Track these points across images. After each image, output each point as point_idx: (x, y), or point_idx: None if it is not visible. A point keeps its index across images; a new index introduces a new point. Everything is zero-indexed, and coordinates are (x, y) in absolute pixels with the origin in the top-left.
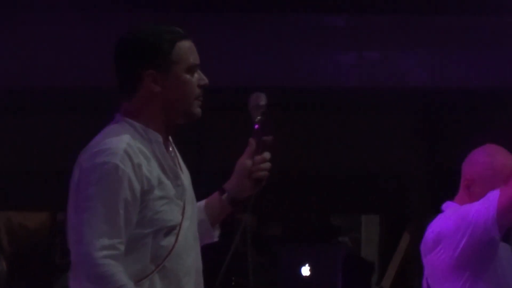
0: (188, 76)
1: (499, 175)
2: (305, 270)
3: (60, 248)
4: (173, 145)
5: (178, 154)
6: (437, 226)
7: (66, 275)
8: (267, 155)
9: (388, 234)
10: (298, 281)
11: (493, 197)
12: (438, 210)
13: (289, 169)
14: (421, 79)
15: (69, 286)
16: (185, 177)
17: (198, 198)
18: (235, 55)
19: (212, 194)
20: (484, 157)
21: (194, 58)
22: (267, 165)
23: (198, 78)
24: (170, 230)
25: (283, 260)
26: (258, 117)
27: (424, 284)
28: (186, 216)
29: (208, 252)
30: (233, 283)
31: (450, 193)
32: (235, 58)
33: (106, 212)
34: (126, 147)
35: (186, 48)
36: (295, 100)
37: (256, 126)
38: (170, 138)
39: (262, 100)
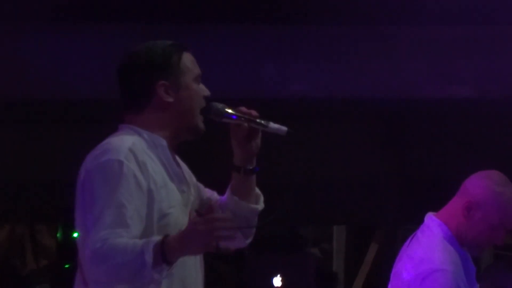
0: (196, 86)
1: (504, 210)
2: (277, 281)
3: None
4: (179, 159)
5: (183, 167)
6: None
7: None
8: (243, 109)
9: (355, 244)
10: None
11: None
12: (406, 220)
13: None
14: (389, 88)
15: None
16: (192, 189)
17: None
18: None
19: (230, 181)
20: (498, 186)
21: (198, 69)
22: (251, 112)
23: (203, 89)
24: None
25: (254, 270)
26: (226, 110)
27: None
28: None
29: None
30: None
31: (417, 202)
32: None
33: (113, 206)
34: (130, 146)
35: (191, 59)
36: (262, 111)
37: (233, 117)
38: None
39: (220, 107)
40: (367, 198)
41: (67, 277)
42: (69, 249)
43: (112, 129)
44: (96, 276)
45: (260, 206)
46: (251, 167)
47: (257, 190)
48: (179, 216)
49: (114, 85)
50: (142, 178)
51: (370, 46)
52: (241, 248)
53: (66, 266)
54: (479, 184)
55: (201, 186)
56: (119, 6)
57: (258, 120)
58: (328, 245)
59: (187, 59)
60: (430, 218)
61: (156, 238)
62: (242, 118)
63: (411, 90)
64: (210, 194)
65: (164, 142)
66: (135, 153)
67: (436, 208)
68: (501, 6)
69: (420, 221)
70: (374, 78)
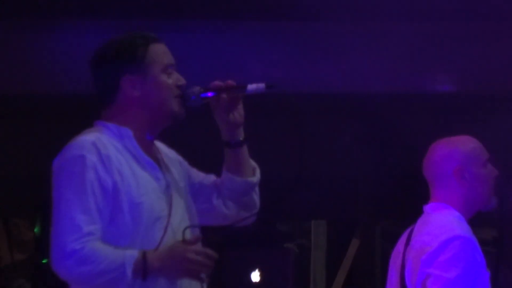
0: (165, 77)
1: (482, 149)
2: (255, 276)
3: None
4: (161, 146)
5: (167, 154)
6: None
7: None
8: (217, 83)
9: (336, 240)
10: (248, 287)
11: None
12: (387, 216)
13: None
14: (368, 83)
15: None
16: (176, 180)
17: None
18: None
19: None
20: (463, 140)
21: (168, 59)
22: (227, 83)
23: (176, 78)
24: (154, 222)
25: (231, 266)
26: (201, 91)
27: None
28: (176, 213)
29: None
30: None
31: (399, 198)
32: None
33: (77, 200)
34: (94, 140)
35: (160, 50)
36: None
37: (209, 94)
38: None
39: (195, 91)
40: (345, 194)
41: (44, 272)
42: (47, 244)
43: (90, 124)
44: (68, 274)
45: (256, 178)
46: (239, 139)
47: (253, 163)
48: (154, 204)
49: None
50: (104, 172)
51: (352, 41)
52: (217, 243)
53: (44, 261)
54: (450, 152)
55: (193, 171)
56: (106, 2)
57: (235, 88)
58: (306, 241)
59: (155, 51)
60: (432, 205)
61: (136, 252)
62: (220, 92)
63: (392, 85)
64: (203, 177)
65: (129, 133)
66: (98, 147)
67: (417, 204)
68: (477, 2)
69: (400, 216)
70: (355, 73)
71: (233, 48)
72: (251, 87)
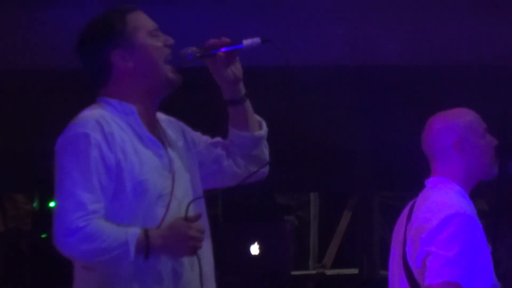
0: (151, 40)
1: (479, 120)
2: (254, 249)
3: None
4: (162, 116)
5: (171, 126)
6: None
7: None
8: (211, 41)
9: (328, 212)
10: (247, 260)
11: None
12: (379, 188)
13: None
14: (359, 56)
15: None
16: (179, 152)
17: None
18: None
19: (228, 119)
20: (460, 112)
21: (150, 24)
22: (221, 40)
23: (163, 39)
24: (157, 200)
25: (231, 239)
26: (196, 50)
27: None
28: (179, 189)
29: None
30: None
31: (391, 170)
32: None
33: (82, 178)
34: (97, 117)
35: (138, 18)
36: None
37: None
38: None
39: (189, 51)
40: (342, 166)
41: (44, 246)
42: (46, 219)
43: (92, 100)
44: (71, 251)
45: (264, 130)
46: (241, 95)
47: (258, 117)
48: (156, 181)
49: None
50: (107, 150)
51: (334, 12)
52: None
53: (43, 236)
54: (447, 124)
55: (197, 136)
56: None
57: (230, 44)
58: (304, 213)
59: (134, 19)
60: (433, 180)
61: (138, 229)
62: (215, 50)
63: (386, 57)
64: (209, 141)
65: (133, 109)
66: (102, 125)
67: (412, 176)
68: None
69: (396, 189)
70: (345, 44)
71: (227, 21)
72: (247, 42)
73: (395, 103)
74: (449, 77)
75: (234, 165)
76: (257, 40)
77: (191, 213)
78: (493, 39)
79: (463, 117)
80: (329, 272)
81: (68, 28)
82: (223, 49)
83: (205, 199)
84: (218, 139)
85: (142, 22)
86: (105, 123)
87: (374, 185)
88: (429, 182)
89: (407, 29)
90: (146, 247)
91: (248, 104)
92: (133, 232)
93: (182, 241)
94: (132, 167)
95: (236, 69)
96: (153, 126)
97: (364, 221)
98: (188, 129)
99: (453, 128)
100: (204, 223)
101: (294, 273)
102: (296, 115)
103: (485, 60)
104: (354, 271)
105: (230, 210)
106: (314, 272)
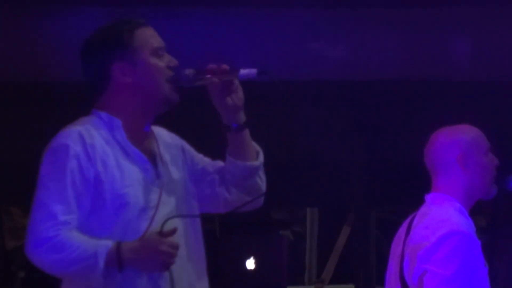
0: (155, 59)
1: (484, 138)
2: (250, 263)
3: None
4: (162, 132)
5: (166, 142)
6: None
7: None
8: (211, 66)
9: (327, 227)
10: (243, 275)
11: None
12: (378, 202)
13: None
14: (356, 71)
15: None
16: (173, 168)
17: None
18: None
19: (226, 144)
20: (465, 128)
21: (157, 42)
22: (220, 67)
23: (167, 60)
24: (139, 213)
25: (226, 253)
26: (194, 72)
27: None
28: (167, 203)
29: None
30: None
31: (390, 185)
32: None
33: (56, 189)
34: (80, 129)
35: (147, 34)
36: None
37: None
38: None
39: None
40: (338, 181)
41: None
42: None
43: (86, 112)
44: (40, 261)
45: (259, 161)
46: (239, 123)
47: (256, 146)
48: (139, 195)
49: None
50: (86, 162)
51: (331, 28)
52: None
53: None
54: (452, 139)
55: (197, 156)
56: None
57: (227, 72)
58: (300, 228)
59: (142, 34)
60: (433, 195)
61: (111, 242)
62: (211, 75)
63: (386, 72)
64: (207, 164)
65: (119, 123)
66: (83, 136)
67: (410, 191)
68: None
69: (392, 203)
70: (341, 60)
71: (227, 35)
72: (244, 72)
73: (392, 117)
74: (447, 91)
75: (226, 192)
76: (253, 71)
77: (169, 228)
78: (488, 55)
79: (468, 133)
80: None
81: (69, 42)
82: (219, 76)
83: (200, 217)
84: (217, 162)
85: (149, 40)
86: (87, 135)
87: (370, 200)
88: (429, 197)
89: (403, 44)
90: (117, 260)
91: (246, 133)
92: (104, 245)
93: (153, 256)
94: (113, 179)
95: (236, 97)
96: (143, 140)
97: (360, 235)
98: (189, 148)
99: (458, 143)
100: (197, 240)
101: None
102: (292, 130)
103: (479, 76)
104: (351, 286)
105: (227, 224)
106: (311, 287)
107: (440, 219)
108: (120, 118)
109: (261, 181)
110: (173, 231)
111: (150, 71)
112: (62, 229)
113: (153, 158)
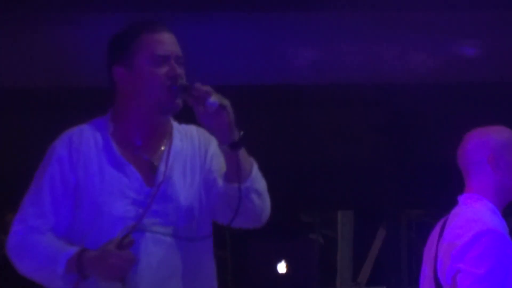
0: (152, 66)
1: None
2: (281, 267)
3: None
4: (184, 131)
5: (184, 145)
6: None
7: None
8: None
9: (363, 229)
10: (274, 278)
11: None
12: (412, 205)
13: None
14: (389, 74)
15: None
16: (178, 177)
17: None
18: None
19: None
20: (497, 129)
21: (161, 49)
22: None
23: (169, 69)
24: (116, 222)
25: (258, 257)
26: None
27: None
28: (157, 213)
29: None
30: None
31: (422, 187)
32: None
33: (34, 192)
34: (73, 133)
35: (152, 40)
36: (260, 97)
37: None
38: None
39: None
40: (372, 183)
41: None
42: None
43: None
44: (13, 263)
45: (245, 184)
46: (227, 143)
47: (248, 165)
48: (117, 203)
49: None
50: (69, 167)
51: (372, 31)
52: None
53: None
54: (483, 140)
55: (216, 161)
56: None
57: (197, 97)
58: (331, 232)
59: (146, 39)
60: (465, 196)
61: (74, 249)
62: (184, 93)
63: (414, 76)
64: (219, 174)
65: (107, 129)
66: (72, 141)
67: (444, 191)
68: None
69: (426, 205)
70: (376, 63)
71: (244, 39)
72: (210, 102)
73: (425, 120)
74: (481, 93)
75: (220, 210)
76: (215, 104)
77: (125, 239)
78: (489, 57)
79: (500, 134)
80: None
81: (92, 48)
82: (193, 97)
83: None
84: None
85: (151, 45)
86: (77, 140)
87: (401, 203)
88: (461, 198)
89: (435, 47)
90: (77, 268)
91: (235, 154)
92: (68, 252)
93: (104, 267)
94: (92, 186)
95: (221, 119)
96: (137, 148)
97: (391, 238)
98: (213, 153)
99: (489, 144)
100: (196, 256)
101: None
102: (325, 133)
103: (479, 78)
104: None
105: (257, 229)
106: None
107: (473, 219)
108: (119, 122)
109: (251, 203)
110: (130, 243)
111: (144, 76)
112: (29, 234)
113: (151, 165)
